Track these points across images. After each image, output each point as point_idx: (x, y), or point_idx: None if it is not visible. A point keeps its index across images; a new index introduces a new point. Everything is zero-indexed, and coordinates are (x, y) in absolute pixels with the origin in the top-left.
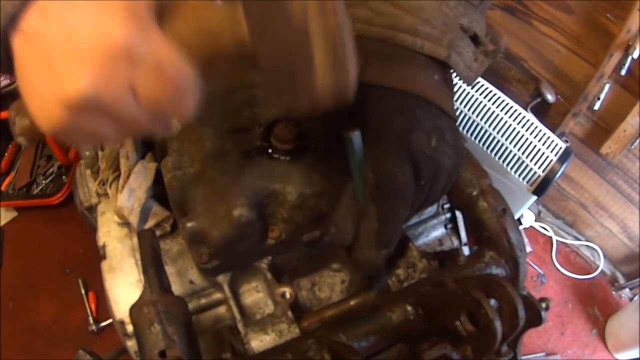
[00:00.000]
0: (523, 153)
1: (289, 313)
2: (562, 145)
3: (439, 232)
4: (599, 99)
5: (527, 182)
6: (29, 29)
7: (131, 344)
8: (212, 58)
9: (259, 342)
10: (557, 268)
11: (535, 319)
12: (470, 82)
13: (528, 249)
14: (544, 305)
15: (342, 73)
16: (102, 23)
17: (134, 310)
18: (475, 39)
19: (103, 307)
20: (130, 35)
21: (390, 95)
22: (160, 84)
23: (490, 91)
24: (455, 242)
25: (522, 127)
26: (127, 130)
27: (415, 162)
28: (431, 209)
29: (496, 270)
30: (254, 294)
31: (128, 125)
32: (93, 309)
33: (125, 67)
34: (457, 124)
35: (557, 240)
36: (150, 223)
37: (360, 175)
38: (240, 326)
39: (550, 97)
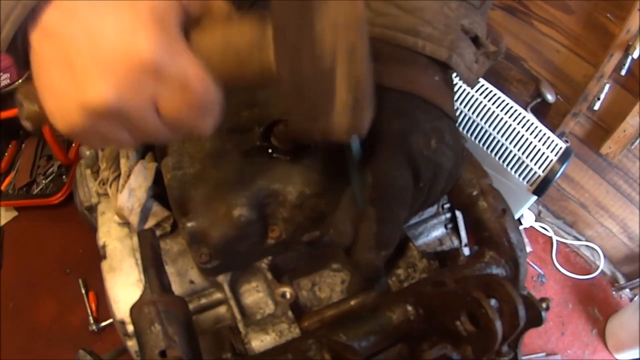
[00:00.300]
0: (523, 153)
1: (289, 313)
2: (562, 145)
3: (439, 232)
4: (599, 99)
5: (527, 182)
6: (50, 26)
7: (131, 344)
8: (235, 78)
9: (260, 342)
10: (557, 268)
11: (535, 319)
12: (471, 83)
13: (528, 249)
14: (544, 305)
15: (358, 114)
16: (129, 32)
17: (135, 310)
18: (476, 41)
19: (103, 307)
20: (159, 50)
21: (390, 96)
22: (184, 101)
23: (491, 91)
24: (456, 242)
25: (522, 127)
26: (143, 137)
27: (414, 164)
28: (431, 209)
29: (496, 270)
30: (254, 294)
31: (145, 133)
32: (93, 309)
33: (150, 81)
34: (458, 124)
35: (557, 241)
36: (150, 223)
37: (358, 178)
38: (240, 326)
39: (550, 97)
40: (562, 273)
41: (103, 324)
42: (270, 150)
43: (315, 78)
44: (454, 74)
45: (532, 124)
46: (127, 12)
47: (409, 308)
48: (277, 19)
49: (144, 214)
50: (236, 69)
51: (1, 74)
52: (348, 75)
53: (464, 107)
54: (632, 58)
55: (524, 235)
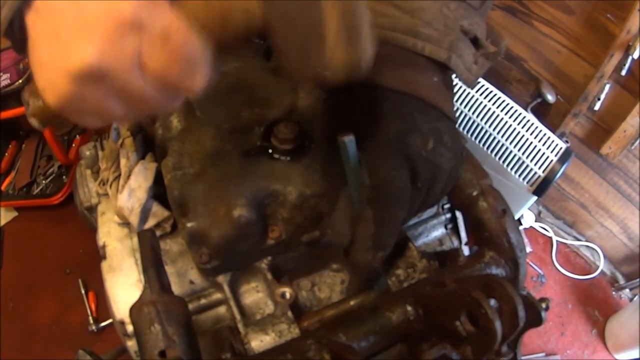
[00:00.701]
0: (523, 153)
1: (289, 313)
2: (563, 145)
3: (439, 232)
4: (599, 99)
5: (527, 182)
6: (41, 4)
7: (131, 344)
8: (222, 29)
9: (259, 342)
10: (557, 268)
11: (535, 319)
12: (470, 84)
13: (528, 249)
14: (544, 305)
15: (354, 47)
16: None
17: (134, 310)
18: (475, 42)
19: (103, 307)
20: (138, 6)
21: (389, 97)
22: (167, 55)
23: (491, 91)
24: (456, 243)
25: (523, 127)
26: (134, 105)
27: (412, 165)
28: (431, 209)
29: (496, 271)
30: (254, 294)
31: (135, 99)
32: (93, 309)
33: (131, 38)
34: (458, 124)
35: (557, 241)
36: (150, 223)
37: (355, 179)
38: (240, 326)
39: (550, 98)
40: (562, 273)
41: (103, 324)
42: (270, 151)
43: (302, 9)
44: (454, 75)
45: (532, 124)
46: None
47: (409, 308)
48: None
49: (144, 214)
50: (221, 21)
51: (1, 74)
52: (336, 6)
53: (464, 107)
54: (632, 58)
55: (523, 235)
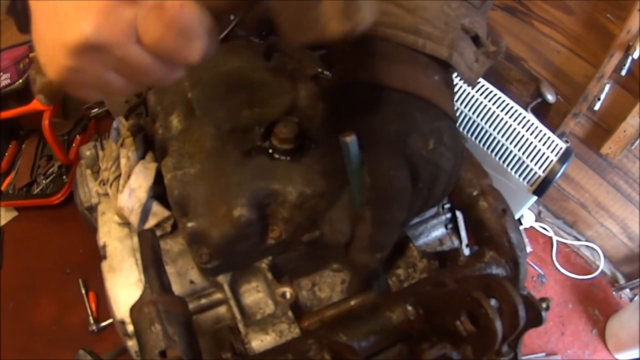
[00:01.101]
0: (523, 153)
1: (289, 313)
2: (563, 145)
3: (440, 232)
4: (599, 99)
5: (527, 182)
6: None
7: (132, 344)
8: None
9: (260, 342)
10: (557, 268)
11: (535, 319)
12: (471, 83)
13: (528, 249)
14: (544, 305)
15: (350, 17)
16: None
17: (135, 310)
18: (476, 40)
19: (103, 307)
20: None
21: (390, 96)
22: (162, 24)
23: (491, 91)
24: (456, 242)
25: (523, 127)
26: (133, 76)
27: (412, 166)
28: (431, 209)
29: (496, 270)
30: (255, 294)
31: (134, 71)
32: (93, 309)
33: (126, 9)
34: (458, 124)
35: (557, 241)
36: (150, 223)
37: (357, 179)
38: (240, 326)
39: (550, 98)
40: (562, 273)
41: (103, 324)
42: (270, 151)
43: None
44: (454, 74)
45: (533, 124)
46: None
47: (409, 308)
48: None
49: (144, 214)
50: None
51: (1, 74)
52: None
53: (464, 107)
54: (633, 58)
55: (524, 235)
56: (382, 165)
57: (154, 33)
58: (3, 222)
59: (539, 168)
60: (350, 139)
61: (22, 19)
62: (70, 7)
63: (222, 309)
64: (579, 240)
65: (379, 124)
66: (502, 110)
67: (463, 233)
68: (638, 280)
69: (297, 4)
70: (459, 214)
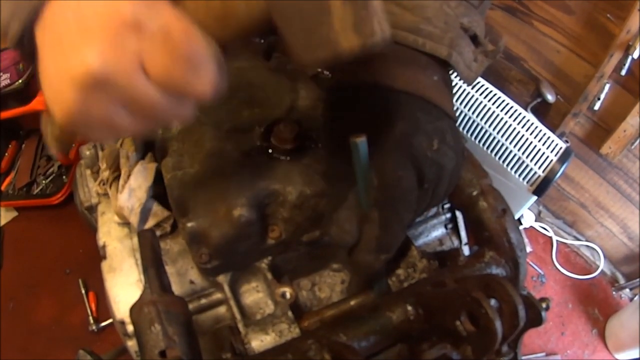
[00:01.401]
0: (523, 153)
1: (289, 313)
2: (562, 145)
3: (439, 232)
4: (599, 99)
5: (527, 182)
6: (48, 17)
7: (131, 344)
8: (224, 30)
9: (259, 342)
10: (557, 268)
11: (535, 319)
12: (470, 81)
13: (528, 249)
14: (544, 305)
15: (362, 34)
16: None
17: (134, 310)
18: (475, 39)
19: (103, 307)
20: (137, 5)
21: (392, 97)
22: (169, 54)
23: (491, 91)
24: (456, 242)
25: (522, 127)
26: (142, 114)
27: (418, 166)
28: (431, 209)
29: (496, 270)
30: (254, 294)
31: (142, 106)
32: (93, 309)
33: (132, 39)
34: (458, 124)
35: (557, 241)
36: (150, 223)
37: (364, 180)
38: (240, 326)
39: (550, 97)
40: (562, 273)
41: (103, 324)
42: (270, 150)
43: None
44: (453, 74)
45: (532, 124)
46: None
47: (409, 308)
48: None
49: (144, 214)
50: (223, 15)
51: (1, 74)
52: None
53: (464, 107)
54: (632, 58)
55: (524, 235)
56: (389, 166)
57: (161, 63)
58: (3, 222)
59: (539, 168)
60: (361, 141)
61: (28, 52)
62: (75, 38)
63: (222, 309)
64: (578, 240)
65: (384, 125)
66: (502, 110)
67: (463, 233)
68: (638, 280)
69: (305, 22)
70: (458, 214)
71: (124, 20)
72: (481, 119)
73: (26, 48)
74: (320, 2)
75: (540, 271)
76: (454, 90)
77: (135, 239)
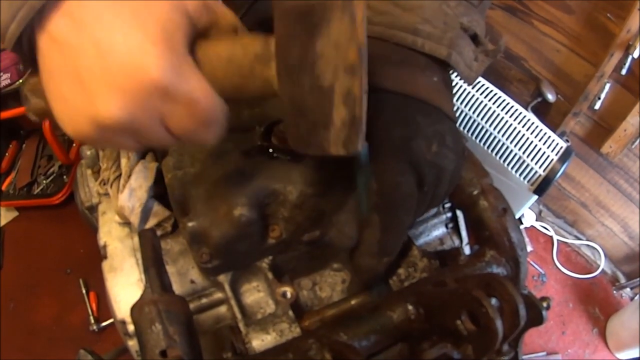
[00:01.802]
0: (524, 152)
1: (290, 312)
2: (563, 144)
3: (440, 231)
4: (599, 98)
5: (527, 181)
6: (58, 35)
7: (132, 344)
8: (238, 91)
9: (260, 341)
10: (557, 267)
11: (536, 319)
12: (470, 81)
13: (529, 248)
14: (544, 304)
15: (355, 132)
16: (138, 50)
17: (135, 309)
18: (475, 39)
19: (104, 307)
20: (167, 70)
21: (390, 99)
22: (192, 118)
23: (491, 91)
24: (456, 242)
25: (523, 126)
26: (149, 145)
27: (417, 170)
28: (432, 209)
29: (497, 270)
30: (255, 294)
31: (153, 143)
32: (94, 308)
33: (159, 100)
34: (458, 124)
35: (557, 240)
36: (151, 223)
37: (365, 185)
38: (241, 326)
39: (550, 97)
40: (563, 272)
41: (104, 323)
42: (270, 150)
43: (315, 95)
44: (454, 74)
45: (533, 123)
46: (137, 28)
47: (410, 307)
48: (280, 37)
49: (145, 213)
50: (239, 83)
51: (1, 74)
52: (346, 94)
53: (465, 106)
54: (633, 57)
55: (524, 234)
56: (388, 171)
57: (183, 125)
58: (3, 222)
59: (540, 167)
60: (362, 145)
61: (26, 54)
62: (99, 82)
63: (222, 309)
64: (579, 239)
65: (383, 130)
66: (502, 110)
67: (463, 232)
68: (638, 279)
69: (307, 124)
70: (459, 213)
71: (153, 82)
72: (482, 119)
73: (25, 50)
74: (326, 117)
75: (540, 270)
76: (455, 90)
77: (136, 239)
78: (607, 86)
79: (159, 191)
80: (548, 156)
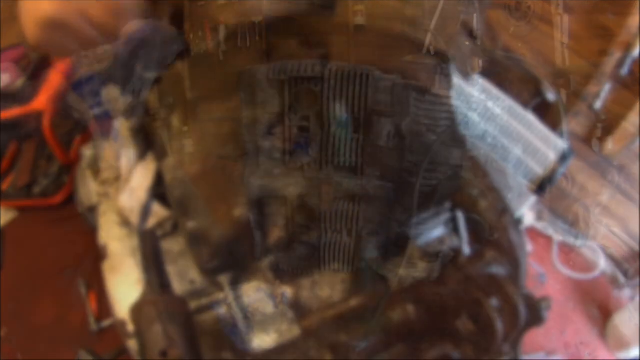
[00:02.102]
0: (524, 152)
1: (290, 313)
2: (563, 144)
3: (440, 231)
4: (599, 98)
5: (527, 181)
6: None
7: (132, 344)
8: None
9: (260, 341)
10: (557, 267)
11: (536, 319)
12: (468, 77)
13: (529, 248)
14: (544, 304)
15: None
16: None
17: (135, 310)
18: (474, 36)
19: (104, 307)
20: None
21: (387, 86)
22: (107, 10)
23: (491, 90)
24: (456, 242)
25: (523, 126)
26: (87, 44)
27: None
28: (432, 209)
29: (497, 270)
30: (255, 294)
31: (87, 40)
32: (94, 309)
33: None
34: (458, 123)
35: (557, 240)
36: (151, 223)
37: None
38: (241, 326)
39: (550, 97)
40: (563, 272)
41: (104, 324)
42: (270, 150)
43: None
44: (451, 69)
45: (533, 123)
46: None
47: (410, 308)
48: None
49: (145, 214)
50: None
51: (1, 74)
52: None
53: (464, 105)
54: (633, 57)
55: (524, 234)
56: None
57: (101, 17)
58: (3, 222)
59: (540, 167)
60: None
61: None
62: None
63: (222, 309)
64: (579, 239)
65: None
66: (502, 110)
67: (463, 232)
68: (639, 279)
69: None
70: (459, 213)
71: None
72: (482, 119)
73: None
74: None
75: (540, 270)
76: (452, 88)
77: (136, 239)
78: (607, 86)
79: (158, 191)
80: (548, 156)
